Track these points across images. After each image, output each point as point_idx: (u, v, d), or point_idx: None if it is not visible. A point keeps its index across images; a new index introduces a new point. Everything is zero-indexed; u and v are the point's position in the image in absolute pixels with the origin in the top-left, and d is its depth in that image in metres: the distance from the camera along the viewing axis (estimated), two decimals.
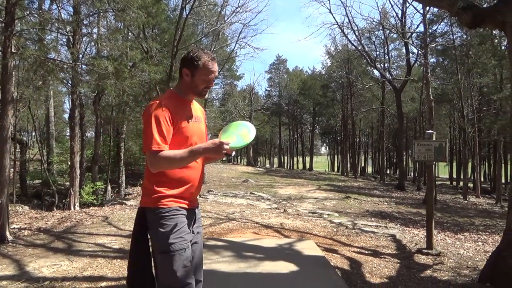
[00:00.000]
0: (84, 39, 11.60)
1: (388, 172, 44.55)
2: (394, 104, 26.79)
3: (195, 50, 1.99)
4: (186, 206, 1.97)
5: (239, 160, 57.69)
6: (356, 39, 26.04)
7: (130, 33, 14.77)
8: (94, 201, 13.12)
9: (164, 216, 1.88)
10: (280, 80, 50.34)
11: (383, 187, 21.77)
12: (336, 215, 8.91)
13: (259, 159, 75.54)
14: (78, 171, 10.73)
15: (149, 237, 1.94)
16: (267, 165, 58.88)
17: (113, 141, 20.83)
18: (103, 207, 9.73)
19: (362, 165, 48.97)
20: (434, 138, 5.61)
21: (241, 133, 2.03)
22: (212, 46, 19.24)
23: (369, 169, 53.70)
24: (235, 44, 22.89)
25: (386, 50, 28.98)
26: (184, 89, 2.02)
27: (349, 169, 37.44)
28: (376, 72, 30.41)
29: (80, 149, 13.77)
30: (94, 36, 11.97)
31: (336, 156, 56.08)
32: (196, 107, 2.12)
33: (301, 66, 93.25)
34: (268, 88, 53.91)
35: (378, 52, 30.97)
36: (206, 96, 2.10)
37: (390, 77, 24.90)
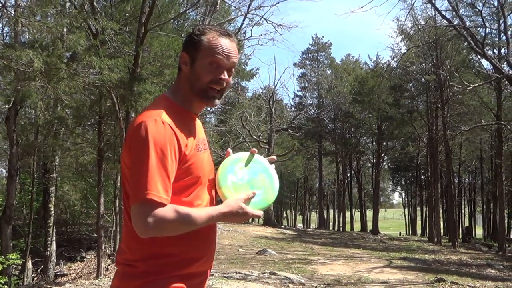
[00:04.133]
0: None
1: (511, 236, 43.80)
2: None
3: (200, 25, 2.06)
4: None
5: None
6: (450, 8, 26.34)
7: (68, 3, 15.19)
8: (5, 286, 13.20)
9: None
10: (319, 78, 50.79)
11: (504, 262, 21.39)
12: None
13: (284, 215, 75.04)
14: None
15: None
16: (299, 225, 58.70)
17: (38, 184, 21.16)
18: None
19: (466, 224, 48.35)
20: None
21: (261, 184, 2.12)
22: (205, 22, 19.63)
23: (478, 231, 52.82)
24: (244, 19, 23.26)
25: (502, 25, 29.12)
26: (184, 92, 2.05)
27: (442, 231, 36.98)
28: (485, 63, 30.48)
29: None
30: (10, 10, 12.43)
31: (419, 208, 55.49)
32: (199, 124, 2.16)
33: (356, 55, 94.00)
34: (300, 93, 54.54)
35: (488, 30, 31.18)
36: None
37: (511, 72, 24.92)
